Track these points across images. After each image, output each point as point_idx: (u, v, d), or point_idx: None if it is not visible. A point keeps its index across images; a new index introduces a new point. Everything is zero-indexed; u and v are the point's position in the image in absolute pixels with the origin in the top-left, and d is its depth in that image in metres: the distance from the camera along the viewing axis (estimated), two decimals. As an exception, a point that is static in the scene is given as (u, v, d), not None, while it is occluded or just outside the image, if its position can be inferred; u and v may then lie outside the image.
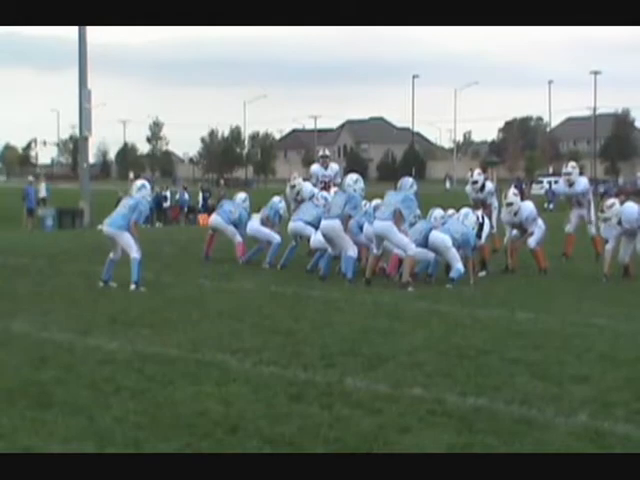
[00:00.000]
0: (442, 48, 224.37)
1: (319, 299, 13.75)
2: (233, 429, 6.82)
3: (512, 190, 18.42)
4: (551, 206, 62.03)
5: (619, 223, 15.70)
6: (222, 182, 59.21)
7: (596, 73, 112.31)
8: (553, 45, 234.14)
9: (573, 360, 9.27)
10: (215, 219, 20.22)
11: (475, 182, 18.73)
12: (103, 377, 8.54)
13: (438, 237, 15.66)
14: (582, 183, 19.88)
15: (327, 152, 22.20)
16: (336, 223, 16.30)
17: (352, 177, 16.91)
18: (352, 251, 16.14)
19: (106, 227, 15.58)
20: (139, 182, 16.51)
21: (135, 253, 15.07)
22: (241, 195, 20.39)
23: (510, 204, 17.67)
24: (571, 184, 19.59)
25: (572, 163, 20.48)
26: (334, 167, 21.38)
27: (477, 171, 19.47)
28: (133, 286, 14.80)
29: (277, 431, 6.75)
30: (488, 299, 13.81)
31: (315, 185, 20.43)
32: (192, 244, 23.06)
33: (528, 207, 17.76)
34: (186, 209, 47.53)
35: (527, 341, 10.33)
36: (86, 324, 11.45)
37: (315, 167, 21.40)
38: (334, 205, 16.67)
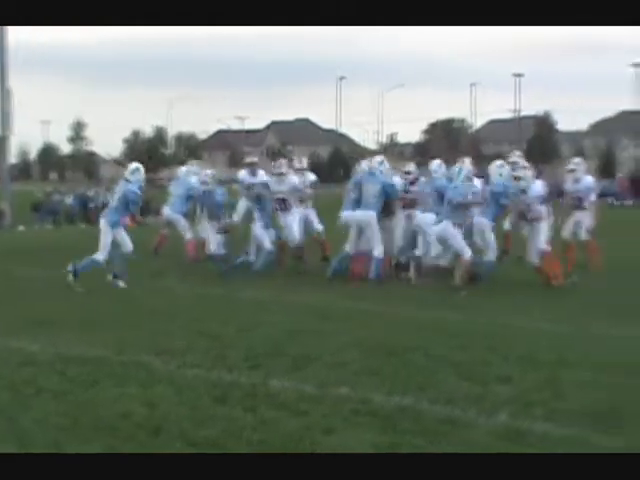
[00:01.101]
0: (368, 49, 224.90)
1: (249, 300, 13.70)
2: (156, 431, 6.78)
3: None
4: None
5: None
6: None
7: (519, 75, 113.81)
8: (477, 47, 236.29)
9: (498, 361, 9.35)
10: (166, 210, 20.05)
11: (408, 172, 17.39)
12: (24, 379, 8.44)
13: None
14: (587, 180, 18.40)
15: (255, 159, 21.89)
16: (372, 215, 16.01)
17: (378, 159, 16.65)
18: (378, 251, 15.87)
19: (102, 221, 15.40)
20: (133, 165, 16.11)
21: (100, 255, 14.93)
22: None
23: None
24: (576, 180, 18.11)
25: (577, 159, 18.96)
26: (261, 173, 20.26)
27: (412, 164, 18.30)
28: (70, 276, 14.77)
29: (201, 434, 6.72)
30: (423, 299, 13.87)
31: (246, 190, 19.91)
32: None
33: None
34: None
35: (454, 341, 10.40)
36: (7, 325, 11.29)
37: (242, 173, 21.02)
38: (367, 194, 16.16)
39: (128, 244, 15.37)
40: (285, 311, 12.66)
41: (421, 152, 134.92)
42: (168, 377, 8.55)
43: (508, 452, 6.27)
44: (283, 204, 17.75)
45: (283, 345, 10.07)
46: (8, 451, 6.27)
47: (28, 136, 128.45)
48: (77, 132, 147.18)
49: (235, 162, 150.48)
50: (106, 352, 9.67)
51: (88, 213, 44.56)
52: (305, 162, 19.31)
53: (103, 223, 15.29)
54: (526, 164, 16.32)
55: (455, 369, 8.91)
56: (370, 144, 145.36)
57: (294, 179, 18.20)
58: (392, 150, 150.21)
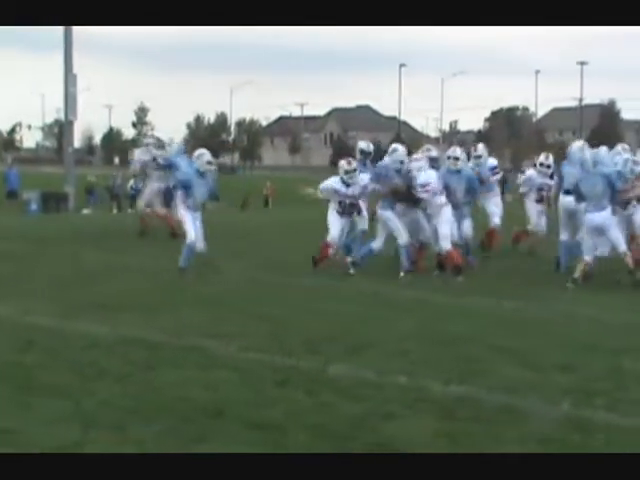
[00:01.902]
0: (430, 37, 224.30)
1: (305, 287, 13.75)
2: (217, 413, 6.83)
3: (481, 145, 18.09)
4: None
5: None
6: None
7: (583, 64, 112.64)
8: (540, 35, 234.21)
9: (557, 349, 9.30)
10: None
11: (479, 156, 17.87)
12: (87, 361, 8.54)
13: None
14: None
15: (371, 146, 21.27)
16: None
17: (455, 151, 16.34)
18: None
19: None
20: (198, 151, 16.03)
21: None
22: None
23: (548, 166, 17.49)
24: None
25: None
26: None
27: (480, 145, 18.54)
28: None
29: (262, 416, 6.76)
30: (474, 288, 13.80)
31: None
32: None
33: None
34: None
35: (512, 330, 10.36)
36: (70, 308, 11.44)
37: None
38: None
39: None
40: (341, 298, 12.67)
41: (483, 140, 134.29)
42: (228, 361, 8.62)
43: (570, 441, 6.24)
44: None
45: (341, 332, 10.09)
46: (73, 432, 6.37)
47: (93, 121, 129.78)
48: (140, 117, 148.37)
49: (295, 148, 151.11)
50: (166, 336, 9.75)
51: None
52: (481, 149, 18.44)
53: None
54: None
55: (513, 357, 8.87)
56: (431, 131, 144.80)
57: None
58: (453, 138, 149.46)
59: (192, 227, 14.93)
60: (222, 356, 8.84)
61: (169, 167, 19.62)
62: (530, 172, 18.24)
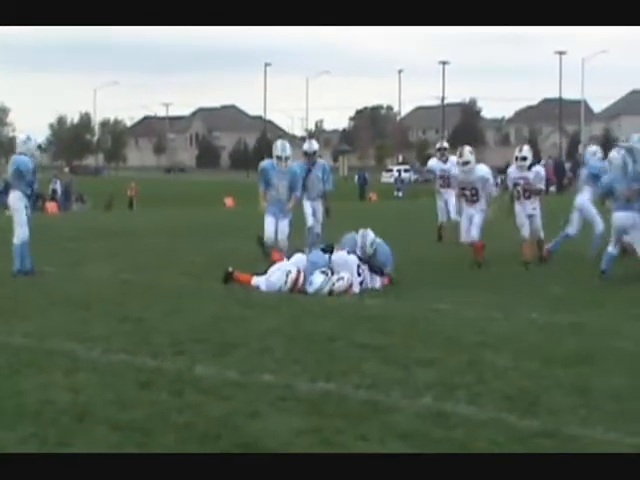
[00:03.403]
0: (294, 36, 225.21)
1: (169, 287, 13.69)
2: (80, 416, 6.76)
3: (468, 148, 16.79)
4: (400, 194, 63.22)
5: None
6: (67, 169, 57.71)
7: (444, 63, 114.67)
8: (403, 34, 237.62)
9: (419, 344, 9.48)
10: None
11: (467, 162, 16.51)
12: (-55, 367, 8.36)
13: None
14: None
15: (445, 144, 22.10)
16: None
17: (592, 150, 17.28)
18: None
19: None
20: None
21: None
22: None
23: (467, 162, 16.40)
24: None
25: (525, 147, 17.63)
26: (452, 160, 18.90)
27: (468, 149, 16.86)
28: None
29: (126, 417, 6.73)
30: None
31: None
32: (39, 232, 22.58)
33: (483, 168, 16.93)
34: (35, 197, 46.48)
35: (375, 326, 10.51)
36: None
37: (433, 161, 21.86)
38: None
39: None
40: (204, 298, 12.66)
41: (348, 140, 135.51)
42: (92, 363, 8.53)
43: (431, 435, 6.38)
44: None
45: (206, 332, 10.09)
46: None
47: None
48: (0, 117, 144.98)
49: (161, 148, 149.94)
50: (28, 340, 9.60)
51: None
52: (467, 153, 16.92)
53: None
54: None
55: (377, 354, 9.00)
56: (297, 131, 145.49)
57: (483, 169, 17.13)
58: (318, 137, 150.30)
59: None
60: (86, 359, 8.74)
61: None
62: (510, 168, 18.01)
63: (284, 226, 15.88)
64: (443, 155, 21.40)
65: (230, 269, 13.92)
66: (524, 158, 16.68)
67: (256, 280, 13.50)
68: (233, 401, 7.28)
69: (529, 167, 16.78)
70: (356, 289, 13.28)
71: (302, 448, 6.09)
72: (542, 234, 16.93)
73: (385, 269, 13.96)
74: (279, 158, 15.86)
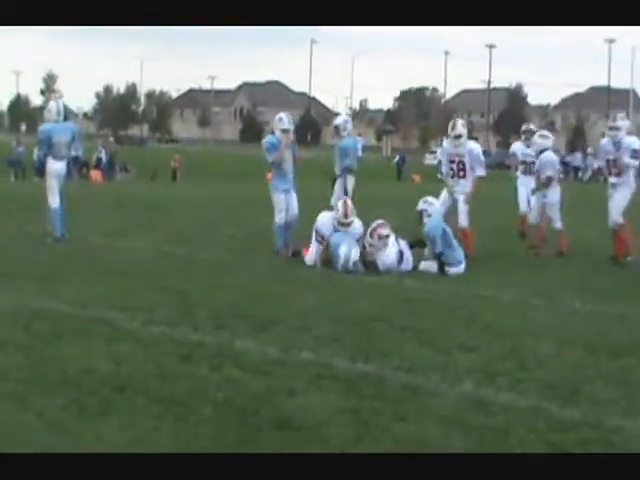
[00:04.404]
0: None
1: (212, 261, 13.72)
2: (121, 387, 6.78)
3: (461, 121, 15.94)
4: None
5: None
6: (112, 139, 57.88)
7: (491, 47, 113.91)
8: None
9: (460, 329, 9.42)
10: None
11: (459, 136, 15.49)
12: (-12, 331, 8.42)
13: None
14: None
15: (532, 126, 19.78)
16: None
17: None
18: None
19: None
20: None
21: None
22: None
23: (459, 136, 15.40)
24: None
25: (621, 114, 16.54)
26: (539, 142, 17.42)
27: (461, 122, 15.90)
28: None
29: (166, 391, 6.74)
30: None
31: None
32: (83, 200, 22.76)
33: (474, 143, 16.14)
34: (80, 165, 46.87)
35: (415, 309, 10.46)
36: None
37: (517, 145, 19.60)
38: None
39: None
40: (247, 272, 12.67)
41: (392, 120, 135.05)
42: (133, 334, 8.56)
43: (470, 420, 6.34)
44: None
45: (247, 307, 10.09)
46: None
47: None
48: (48, 84, 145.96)
49: (205, 121, 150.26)
50: (70, 307, 9.66)
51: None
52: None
53: None
54: None
55: (418, 337, 8.96)
56: (341, 109, 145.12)
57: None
58: (362, 116, 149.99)
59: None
60: (127, 329, 8.78)
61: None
62: (515, 145, 17.48)
63: (294, 201, 15.52)
64: (528, 139, 18.61)
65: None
66: (458, 136, 15.44)
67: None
68: (271, 378, 7.27)
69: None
70: (392, 255, 13.37)
71: (339, 427, 6.07)
72: (559, 224, 16.40)
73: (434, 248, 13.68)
74: (285, 131, 15.37)
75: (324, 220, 13.78)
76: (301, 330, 9.06)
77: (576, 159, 67.35)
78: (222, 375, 7.26)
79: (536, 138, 17.25)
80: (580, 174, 63.32)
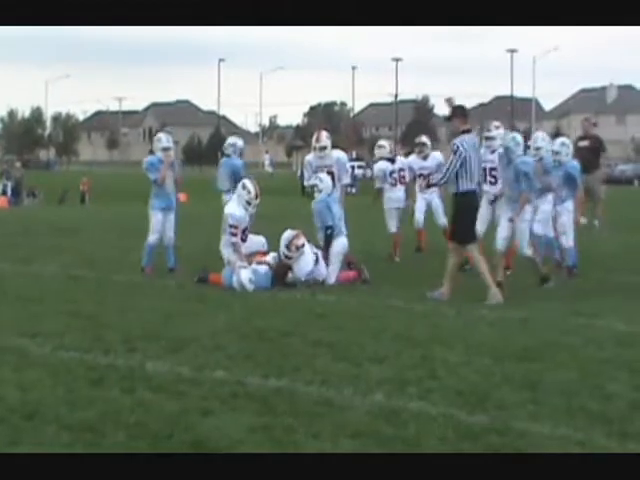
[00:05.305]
0: (248, 32, 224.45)
1: (122, 284, 13.62)
2: (30, 415, 6.71)
3: (325, 133, 15.63)
4: (353, 190, 63.21)
5: None
6: (18, 164, 56.76)
7: (397, 60, 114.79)
8: (357, 31, 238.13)
9: (371, 341, 9.50)
10: None
11: (324, 147, 15.39)
12: None
13: None
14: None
15: (424, 139, 18.52)
16: None
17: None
18: None
19: None
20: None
21: None
22: None
23: (324, 147, 15.28)
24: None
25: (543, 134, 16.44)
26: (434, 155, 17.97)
27: (325, 134, 15.70)
28: None
29: (77, 417, 6.68)
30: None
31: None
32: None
33: (340, 152, 16.17)
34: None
35: (328, 323, 10.51)
36: None
37: (412, 158, 18.62)
38: None
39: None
40: (156, 295, 12.61)
41: (302, 136, 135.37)
42: (43, 360, 8.47)
43: (382, 432, 6.40)
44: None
45: (158, 328, 10.05)
46: None
47: None
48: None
49: (113, 143, 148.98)
50: (-22, 336, 9.52)
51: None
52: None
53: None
54: None
55: (330, 350, 9.01)
56: (251, 126, 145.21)
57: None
58: (272, 133, 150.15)
59: None
60: (36, 355, 8.69)
61: None
62: (410, 158, 17.80)
63: (170, 222, 15.46)
64: (421, 152, 18.22)
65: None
66: (323, 147, 15.33)
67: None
68: (185, 398, 7.26)
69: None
70: (310, 260, 13.74)
71: (253, 446, 6.08)
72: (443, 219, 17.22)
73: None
74: (165, 149, 15.31)
75: (234, 210, 13.95)
76: (213, 349, 9.06)
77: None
78: (134, 398, 7.23)
79: (376, 149, 17.94)
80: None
